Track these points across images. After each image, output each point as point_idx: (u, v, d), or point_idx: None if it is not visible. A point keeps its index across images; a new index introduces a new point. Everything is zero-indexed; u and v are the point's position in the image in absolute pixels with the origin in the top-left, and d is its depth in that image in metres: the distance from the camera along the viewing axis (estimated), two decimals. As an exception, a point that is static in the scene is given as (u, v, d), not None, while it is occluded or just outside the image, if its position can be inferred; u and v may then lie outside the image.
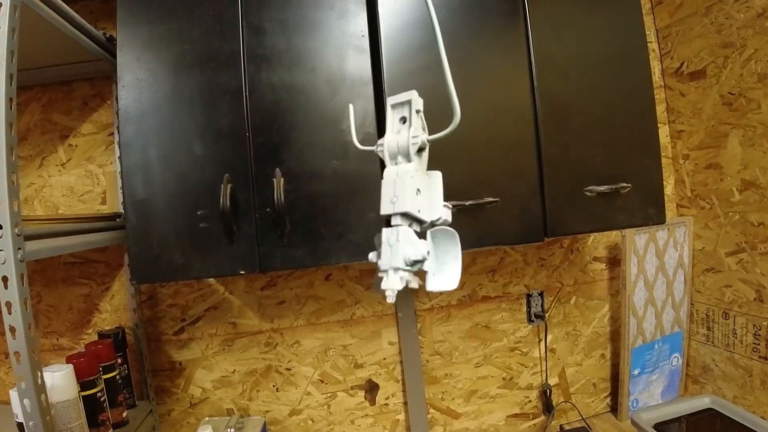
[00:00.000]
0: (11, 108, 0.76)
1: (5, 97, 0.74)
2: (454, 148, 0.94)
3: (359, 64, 0.93)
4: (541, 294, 1.44)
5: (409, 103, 0.50)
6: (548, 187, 0.98)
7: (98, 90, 1.29)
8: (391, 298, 0.48)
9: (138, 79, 0.91)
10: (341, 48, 0.93)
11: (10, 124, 0.75)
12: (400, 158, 0.50)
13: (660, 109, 1.51)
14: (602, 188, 1.00)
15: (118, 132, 1.02)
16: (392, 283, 0.48)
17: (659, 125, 1.49)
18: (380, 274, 0.49)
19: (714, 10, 1.32)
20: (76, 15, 0.99)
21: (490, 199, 0.94)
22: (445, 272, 0.50)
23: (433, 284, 0.50)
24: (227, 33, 0.92)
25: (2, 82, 0.74)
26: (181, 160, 0.90)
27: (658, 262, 1.41)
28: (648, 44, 1.50)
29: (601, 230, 1.05)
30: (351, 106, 0.60)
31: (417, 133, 0.49)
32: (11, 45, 0.76)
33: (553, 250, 1.46)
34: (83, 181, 1.28)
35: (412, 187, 0.48)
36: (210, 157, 0.90)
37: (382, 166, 0.51)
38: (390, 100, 0.50)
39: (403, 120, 0.50)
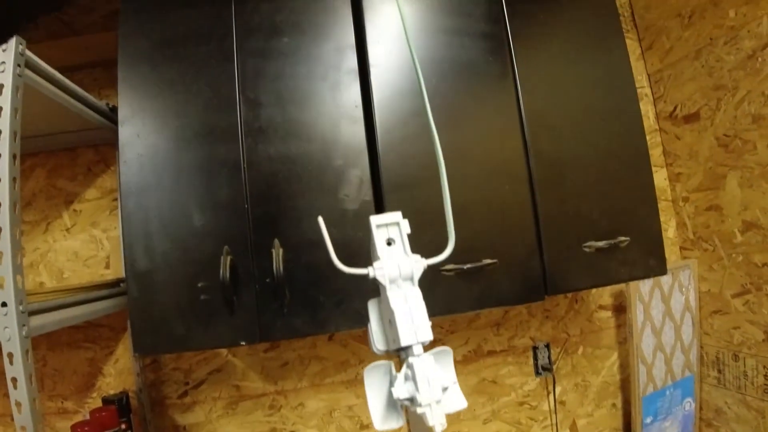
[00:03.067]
0: (15, 188, 0.78)
1: (9, 177, 0.76)
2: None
3: (354, 133, 0.95)
4: (547, 345, 1.42)
5: (397, 225, 0.49)
6: (546, 245, 0.98)
7: (102, 156, 1.32)
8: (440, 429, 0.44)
9: (139, 155, 0.93)
10: (335, 118, 0.95)
11: (14, 204, 0.76)
12: (400, 282, 0.49)
13: (656, 152, 1.52)
14: (601, 243, 1.00)
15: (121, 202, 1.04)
16: (441, 418, 0.44)
17: (656, 168, 1.50)
18: (419, 410, 0.45)
19: (704, 53, 1.34)
20: (78, 89, 1.02)
21: (489, 261, 0.94)
22: (450, 392, 0.48)
23: (447, 406, 0.48)
24: (225, 107, 0.95)
25: (6, 163, 0.76)
26: (182, 233, 0.91)
27: (665, 307, 1.39)
28: (641, 89, 1.53)
29: (602, 285, 1.05)
30: (321, 219, 0.54)
31: (417, 258, 0.48)
32: (14, 125, 0.77)
33: (558, 301, 1.45)
34: (88, 245, 1.30)
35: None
36: (210, 229, 0.91)
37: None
38: (374, 220, 0.50)
39: (389, 242, 0.50)
